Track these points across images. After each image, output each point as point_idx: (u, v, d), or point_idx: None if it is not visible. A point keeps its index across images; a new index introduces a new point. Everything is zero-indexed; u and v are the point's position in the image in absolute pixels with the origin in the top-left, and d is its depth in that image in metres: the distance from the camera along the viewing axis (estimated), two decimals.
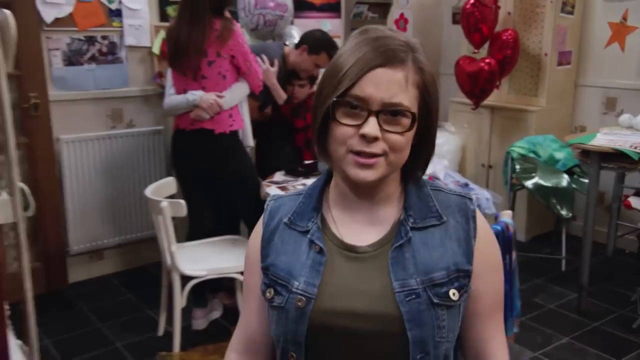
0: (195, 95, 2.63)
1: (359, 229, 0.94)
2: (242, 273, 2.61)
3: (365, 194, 0.93)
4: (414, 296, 0.87)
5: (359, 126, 0.85)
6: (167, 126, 3.53)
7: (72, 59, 3.20)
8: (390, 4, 4.40)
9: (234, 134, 2.75)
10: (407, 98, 0.86)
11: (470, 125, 4.15)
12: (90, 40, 3.24)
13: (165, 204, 2.44)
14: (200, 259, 2.64)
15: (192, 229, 2.88)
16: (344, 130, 0.86)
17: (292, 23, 3.84)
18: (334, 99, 0.86)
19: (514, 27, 3.82)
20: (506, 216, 2.06)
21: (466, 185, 2.67)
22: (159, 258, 3.36)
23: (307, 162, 3.13)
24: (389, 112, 0.85)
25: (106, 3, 3.24)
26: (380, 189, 0.93)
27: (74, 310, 3.06)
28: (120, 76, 3.38)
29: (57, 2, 3.05)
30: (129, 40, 3.35)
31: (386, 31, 0.90)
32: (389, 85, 0.85)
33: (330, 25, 4.18)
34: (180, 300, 2.55)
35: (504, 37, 3.71)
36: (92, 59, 3.27)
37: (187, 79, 2.66)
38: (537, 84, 3.89)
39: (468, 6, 3.66)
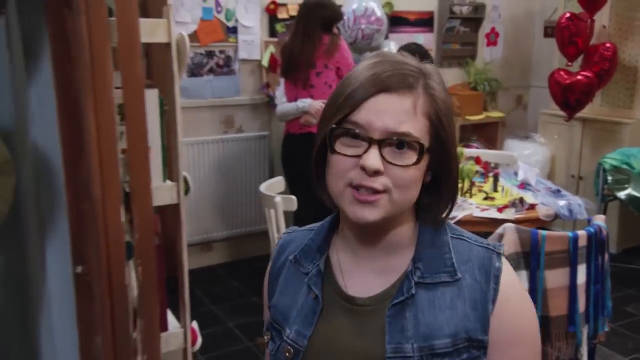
0: (304, 102, 2.94)
1: (364, 278, 0.82)
2: None
3: (371, 237, 0.81)
4: None
5: (359, 157, 0.75)
6: (271, 132, 3.88)
7: (194, 71, 3.63)
8: (482, 18, 4.54)
9: None
10: (416, 127, 0.75)
11: (560, 137, 4.21)
12: (210, 54, 3.65)
13: (278, 199, 2.75)
14: None
15: (296, 223, 3.17)
16: (343, 161, 0.76)
17: (387, 37, 4.10)
18: (332, 126, 0.76)
19: (609, 40, 3.86)
20: (599, 219, 2.19)
21: (558, 191, 2.79)
22: (261, 251, 3.72)
23: None
24: (394, 143, 0.74)
25: (224, 21, 3.65)
26: (390, 233, 0.81)
27: (190, 294, 3.44)
28: (233, 86, 3.77)
29: (185, 22, 3.49)
30: (242, 54, 3.74)
31: (398, 56, 0.80)
32: (395, 112, 0.75)
33: (423, 39, 4.39)
34: None
35: (602, 50, 3.76)
36: (211, 70, 3.68)
37: (298, 88, 2.98)
38: (632, 96, 3.90)
39: (563, 20, 3.75)
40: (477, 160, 3.08)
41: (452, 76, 4.57)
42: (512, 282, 0.80)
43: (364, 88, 0.75)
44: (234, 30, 3.70)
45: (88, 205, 1.12)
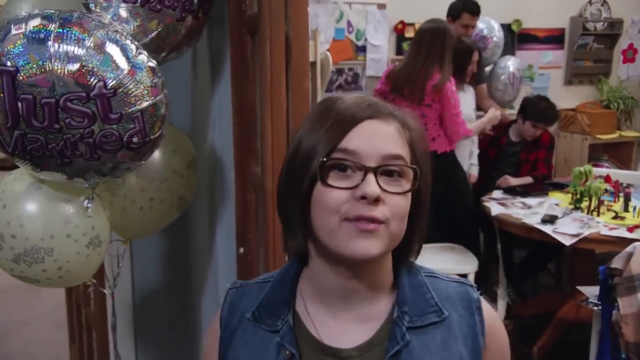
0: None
1: (341, 328, 0.75)
2: (460, 276, 2.96)
3: (353, 282, 0.74)
4: None
5: (353, 189, 0.69)
6: None
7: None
8: (619, 34, 4.37)
9: (452, 153, 3.14)
10: (406, 153, 0.73)
11: None
12: (339, 71, 3.91)
13: None
14: (424, 260, 3.03)
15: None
16: (337, 194, 0.69)
17: (514, 54, 4.11)
18: (322, 159, 0.70)
19: None
20: None
21: None
22: None
23: (522, 183, 3.34)
24: (387, 172, 0.71)
25: (354, 41, 3.89)
26: (373, 276, 0.75)
27: None
28: None
29: (320, 42, 3.77)
30: (369, 71, 3.95)
31: (357, 95, 0.78)
32: (386, 136, 0.72)
33: (552, 57, 4.33)
34: None
35: None
36: (339, 87, 3.93)
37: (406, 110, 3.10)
38: None
39: None
40: (607, 178, 3.00)
41: (582, 94, 4.43)
42: (491, 310, 0.80)
43: (350, 115, 0.71)
44: (362, 49, 3.93)
45: (255, 196, 1.35)
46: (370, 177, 0.69)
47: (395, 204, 0.70)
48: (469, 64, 3.28)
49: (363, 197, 0.68)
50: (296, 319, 0.76)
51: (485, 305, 0.79)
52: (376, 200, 0.68)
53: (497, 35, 3.78)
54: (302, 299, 0.77)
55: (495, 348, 0.78)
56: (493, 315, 0.80)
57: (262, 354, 0.75)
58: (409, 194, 0.72)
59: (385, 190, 0.70)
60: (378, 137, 0.71)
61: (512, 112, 4.19)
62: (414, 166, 0.72)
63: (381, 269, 0.76)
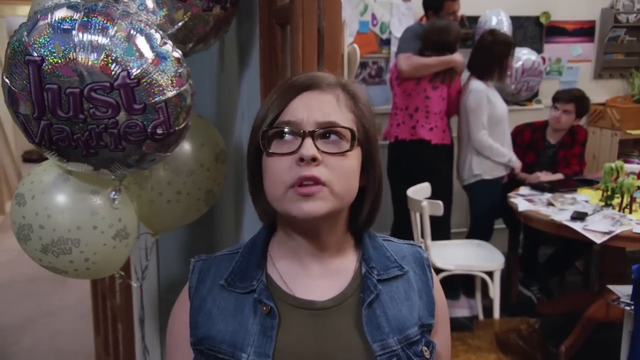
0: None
1: (313, 284, 0.82)
2: (486, 273, 2.91)
3: (318, 240, 0.81)
4: (395, 359, 0.79)
5: (294, 153, 0.76)
6: None
7: None
8: None
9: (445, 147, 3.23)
10: (343, 119, 0.79)
11: None
12: (363, 65, 3.87)
13: (425, 203, 2.85)
14: (447, 256, 2.99)
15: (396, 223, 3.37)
16: (279, 162, 0.77)
17: (541, 48, 4.02)
18: (264, 129, 0.79)
19: None
20: None
21: None
22: None
23: (552, 179, 3.26)
24: (325, 135, 0.77)
25: (379, 34, 3.84)
26: (331, 236, 0.82)
27: None
28: (382, 95, 3.94)
29: (346, 34, 3.74)
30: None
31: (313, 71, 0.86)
32: (320, 105, 0.78)
33: (581, 50, 4.22)
34: None
35: None
36: (363, 80, 3.89)
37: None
38: None
39: None
40: None
41: (612, 88, 4.32)
42: (433, 271, 0.91)
43: (288, 90, 0.80)
44: (387, 42, 3.88)
45: None
46: (307, 140, 0.75)
47: (335, 164, 0.76)
48: (509, 56, 3.17)
49: (302, 160, 0.75)
50: (269, 281, 0.82)
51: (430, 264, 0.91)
52: (314, 160, 0.75)
53: (506, 29, 3.59)
54: (273, 262, 0.84)
55: (440, 301, 0.88)
56: (435, 275, 0.90)
57: (238, 315, 0.80)
58: (354, 156, 0.79)
59: (323, 152, 0.76)
60: (314, 106, 0.78)
61: (538, 107, 4.12)
62: (349, 127, 0.78)
63: (337, 228, 0.83)
